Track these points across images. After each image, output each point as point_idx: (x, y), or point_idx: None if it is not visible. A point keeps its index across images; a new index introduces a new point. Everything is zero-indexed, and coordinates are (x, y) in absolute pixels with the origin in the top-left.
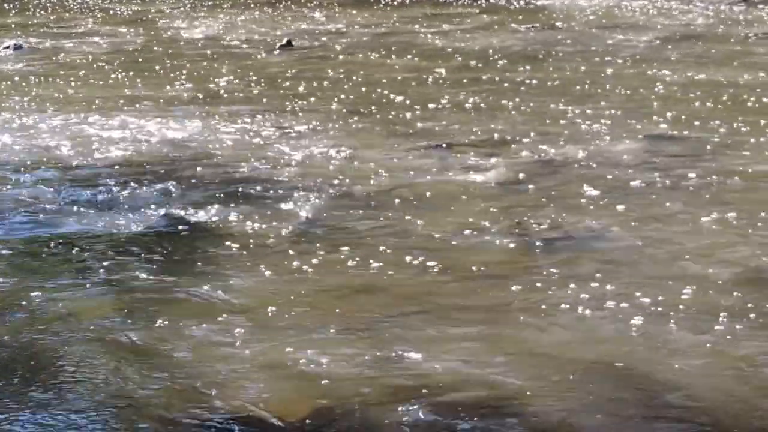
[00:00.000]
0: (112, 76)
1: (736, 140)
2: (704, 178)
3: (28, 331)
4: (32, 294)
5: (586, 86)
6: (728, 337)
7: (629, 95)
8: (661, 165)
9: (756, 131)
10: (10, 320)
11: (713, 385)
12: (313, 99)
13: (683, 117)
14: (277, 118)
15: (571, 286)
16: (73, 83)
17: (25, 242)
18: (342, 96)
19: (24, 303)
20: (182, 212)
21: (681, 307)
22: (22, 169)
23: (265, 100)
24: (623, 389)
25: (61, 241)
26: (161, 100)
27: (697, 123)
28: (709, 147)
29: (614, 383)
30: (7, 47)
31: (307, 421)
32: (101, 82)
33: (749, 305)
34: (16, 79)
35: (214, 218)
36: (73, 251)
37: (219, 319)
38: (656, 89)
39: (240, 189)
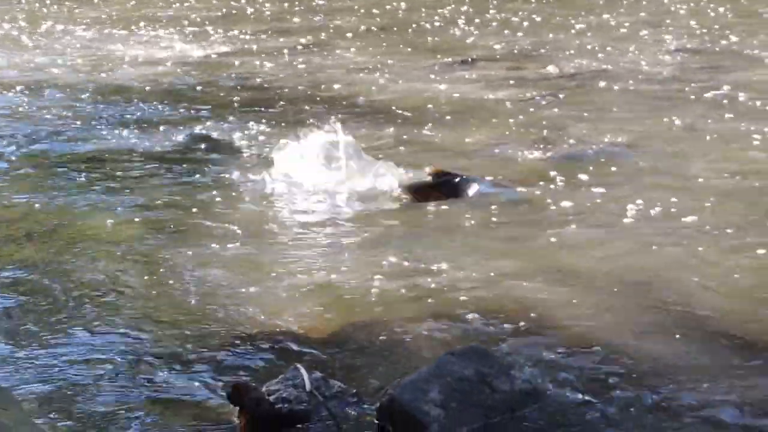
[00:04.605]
0: None
1: None
2: (730, 89)
3: (57, 249)
4: (60, 212)
5: None
6: (744, 248)
7: (661, 8)
8: (687, 78)
9: None
10: (40, 238)
11: (728, 295)
12: (339, 18)
13: (715, 30)
14: (306, 36)
15: (596, 200)
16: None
17: (53, 160)
18: (366, 13)
19: (52, 221)
20: (211, 132)
21: (700, 218)
22: (51, 86)
23: (295, 19)
24: (645, 302)
25: (89, 158)
26: (186, 21)
27: (728, 36)
28: (737, 59)
29: (635, 295)
30: None
31: (332, 336)
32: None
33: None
34: None
35: (241, 138)
36: (102, 169)
37: (245, 239)
38: (691, 2)
39: (267, 108)
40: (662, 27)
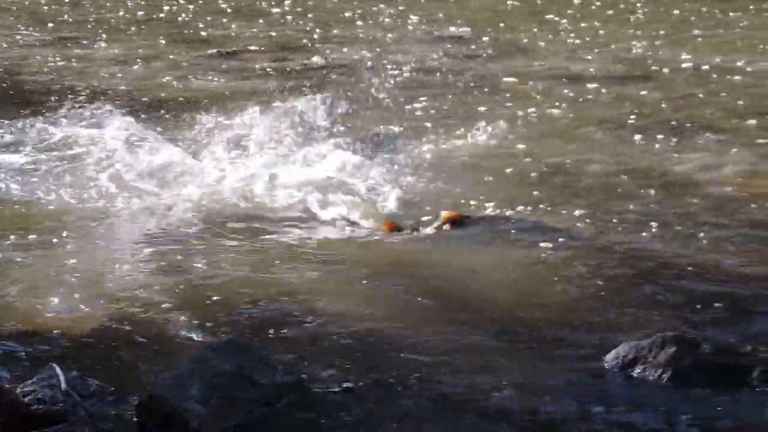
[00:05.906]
0: None
1: (528, 42)
2: (488, 76)
3: None
4: None
5: None
6: (512, 235)
7: None
8: (458, 67)
9: (548, 34)
10: None
11: (498, 281)
12: (101, 10)
13: (477, 18)
14: (58, 28)
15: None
16: None
17: None
18: (127, 4)
19: None
20: None
21: (472, 204)
22: None
23: (45, 9)
24: (411, 293)
25: None
26: None
27: (492, 25)
28: (498, 47)
29: (402, 285)
30: None
31: (91, 333)
32: None
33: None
34: None
35: None
36: None
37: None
38: None
39: (24, 101)
40: (432, 16)
